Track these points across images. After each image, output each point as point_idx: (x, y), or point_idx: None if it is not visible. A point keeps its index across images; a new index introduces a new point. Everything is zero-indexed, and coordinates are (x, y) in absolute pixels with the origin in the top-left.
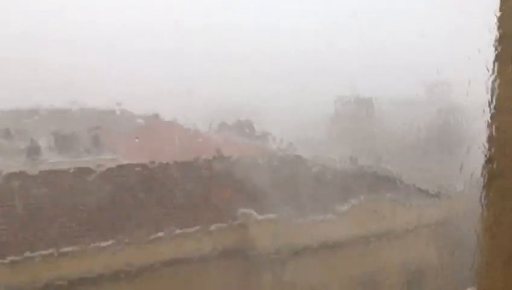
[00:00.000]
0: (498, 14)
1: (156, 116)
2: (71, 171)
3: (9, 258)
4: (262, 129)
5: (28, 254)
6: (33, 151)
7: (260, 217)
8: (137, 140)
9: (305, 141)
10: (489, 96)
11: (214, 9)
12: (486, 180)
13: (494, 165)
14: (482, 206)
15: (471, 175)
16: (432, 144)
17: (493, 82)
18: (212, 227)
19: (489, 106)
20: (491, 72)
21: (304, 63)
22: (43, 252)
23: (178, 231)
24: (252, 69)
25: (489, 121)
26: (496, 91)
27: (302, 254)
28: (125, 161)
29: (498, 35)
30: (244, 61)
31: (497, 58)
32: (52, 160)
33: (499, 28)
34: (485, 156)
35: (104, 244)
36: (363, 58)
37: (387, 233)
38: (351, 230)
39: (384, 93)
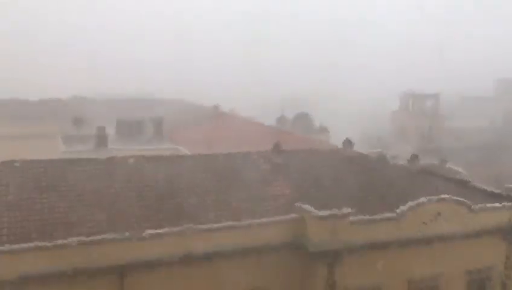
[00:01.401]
0: None
1: (216, 107)
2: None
3: None
4: (321, 123)
5: None
6: (101, 138)
7: (317, 213)
8: (197, 131)
9: (366, 137)
10: None
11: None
12: None
13: None
14: None
15: None
16: (502, 144)
17: None
18: (270, 220)
19: None
20: None
21: (369, 56)
22: None
23: (235, 223)
24: (314, 63)
25: None
26: None
27: (358, 252)
28: (185, 151)
29: None
30: (306, 53)
31: None
32: (116, 147)
33: None
34: None
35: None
36: (431, 53)
37: (451, 236)
38: (412, 231)
39: (451, 89)
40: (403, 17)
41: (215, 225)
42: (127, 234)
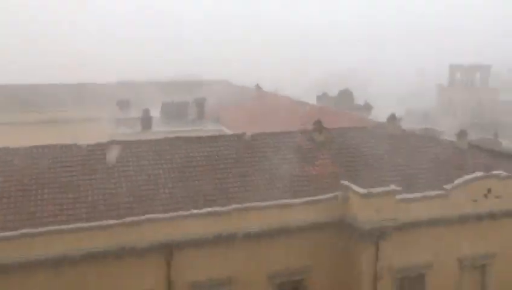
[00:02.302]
0: None
1: (258, 87)
2: None
3: None
4: (364, 100)
5: None
6: (146, 121)
7: (363, 191)
8: (241, 111)
9: (412, 113)
10: None
11: None
12: None
13: None
14: None
15: None
16: None
17: None
18: (315, 198)
19: None
20: None
21: (416, 28)
22: None
23: (279, 202)
24: (355, 38)
25: None
26: None
27: (406, 230)
28: (228, 131)
29: None
30: (348, 29)
31: None
32: (162, 129)
33: None
34: None
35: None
36: (483, 23)
37: (503, 213)
38: (461, 208)
39: (502, 61)
40: None
41: (260, 204)
42: (174, 213)
